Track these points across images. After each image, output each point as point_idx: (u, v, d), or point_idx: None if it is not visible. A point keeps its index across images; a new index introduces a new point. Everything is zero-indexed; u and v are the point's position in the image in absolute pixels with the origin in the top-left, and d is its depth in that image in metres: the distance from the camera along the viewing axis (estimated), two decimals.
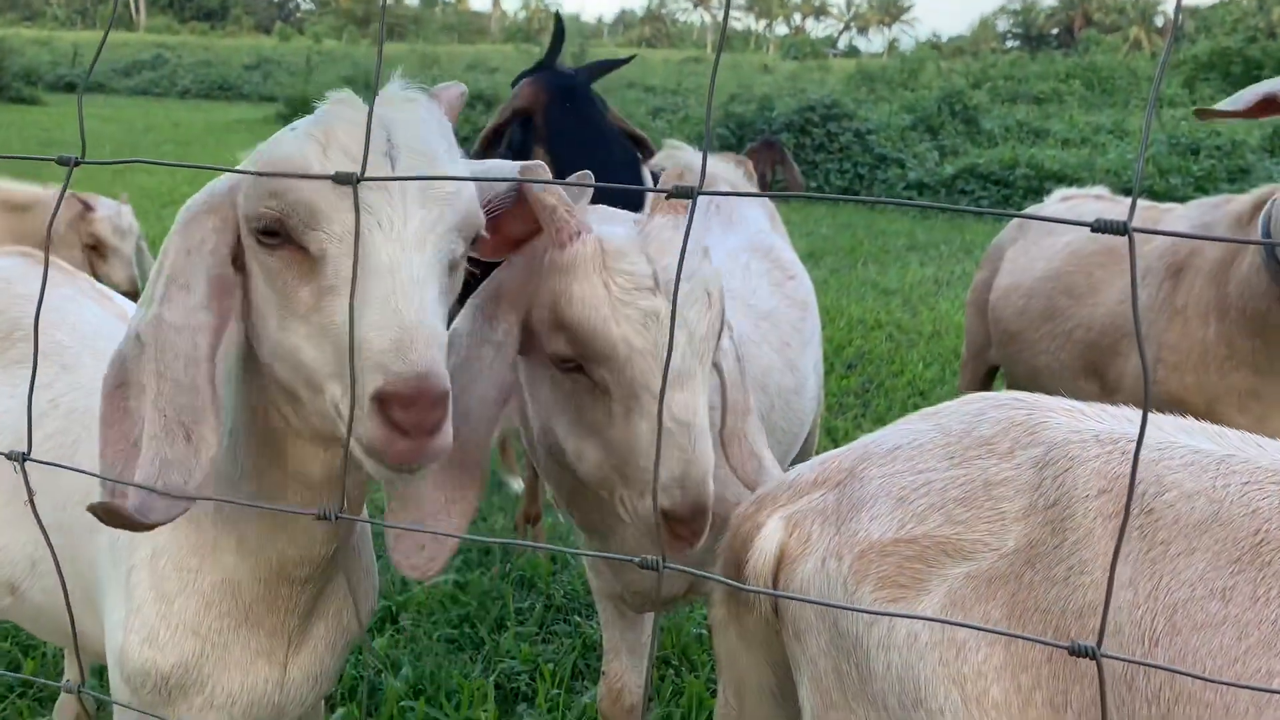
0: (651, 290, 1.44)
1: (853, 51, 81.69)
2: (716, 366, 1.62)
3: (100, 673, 2.78)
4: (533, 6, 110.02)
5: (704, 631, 3.09)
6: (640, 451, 1.43)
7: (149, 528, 1.24)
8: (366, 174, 1.12)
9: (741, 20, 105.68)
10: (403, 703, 2.76)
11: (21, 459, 1.29)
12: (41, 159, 1.30)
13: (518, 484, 4.35)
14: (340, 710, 2.71)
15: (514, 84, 3.57)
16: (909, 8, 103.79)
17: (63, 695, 2.66)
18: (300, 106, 21.10)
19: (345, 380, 1.12)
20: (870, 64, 32.36)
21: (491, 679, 2.88)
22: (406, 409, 1.08)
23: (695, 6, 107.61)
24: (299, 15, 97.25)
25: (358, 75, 23.46)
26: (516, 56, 37.52)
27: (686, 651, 3.11)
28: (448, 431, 1.13)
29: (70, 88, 28.12)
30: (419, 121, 1.24)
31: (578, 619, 3.28)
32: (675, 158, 2.92)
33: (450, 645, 3.10)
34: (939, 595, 1.24)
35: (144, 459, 1.24)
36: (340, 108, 1.22)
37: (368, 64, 27.97)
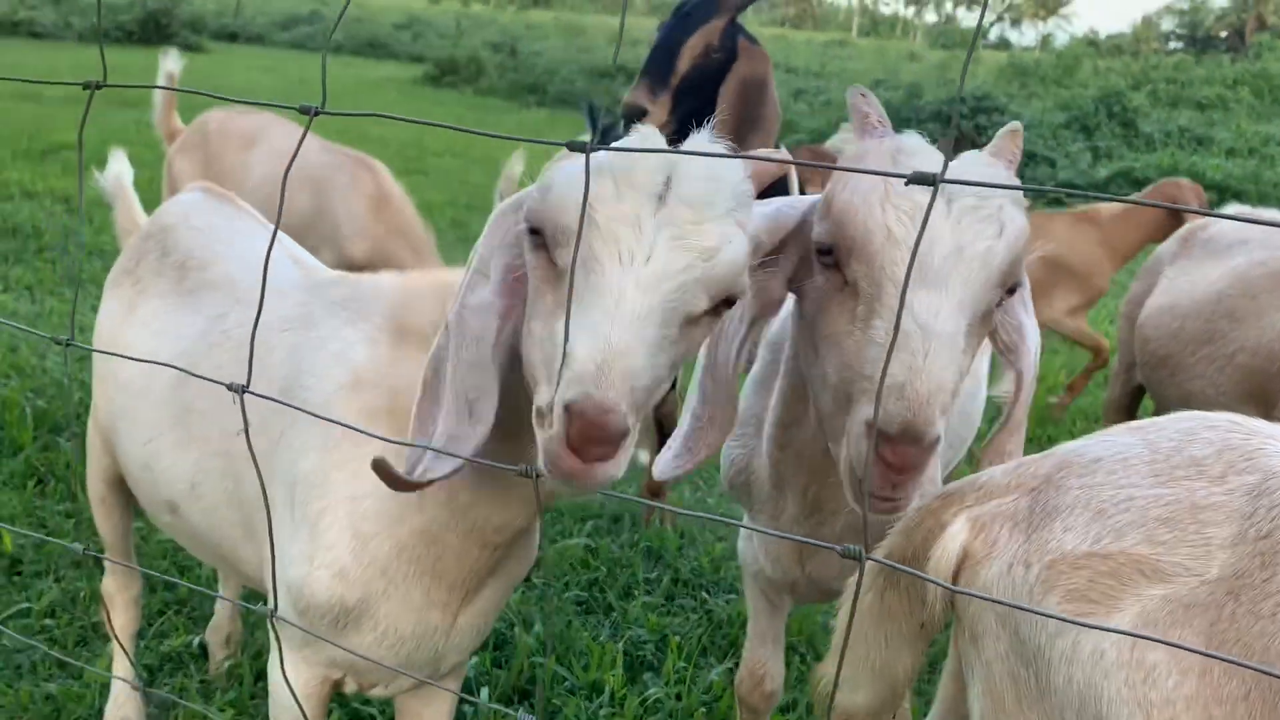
0: (941, 192, 1.32)
1: (1004, 44, 79.12)
2: (1015, 368, 1.56)
3: (248, 597, 2.92)
4: None
5: (832, 619, 3.07)
6: (867, 357, 1.34)
7: (417, 487, 1.35)
8: (616, 206, 1.19)
9: (890, 5, 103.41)
10: (533, 658, 2.82)
11: (241, 391, 1.35)
12: (284, 105, 1.35)
13: (644, 456, 4.38)
14: (474, 658, 2.78)
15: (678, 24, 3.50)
16: (1067, 2, 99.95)
17: (217, 613, 2.80)
18: (448, 69, 21.59)
19: (553, 385, 1.18)
20: (1023, 58, 31.25)
21: (620, 645, 2.92)
22: (584, 428, 1.11)
23: None
24: None
25: (504, 39, 23.83)
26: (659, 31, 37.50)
27: (814, 640, 3.09)
28: (615, 466, 1.16)
29: (233, 37, 29.23)
30: (709, 177, 1.24)
31: (704, 594, 3.29)
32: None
33: (579, 607, 3.16)
34: (1131, 615, 1.19)
35: (439, 431, 1.36)
36: (637, 141, 1.25)
37: (513, 28, 28.35)
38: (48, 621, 2.86)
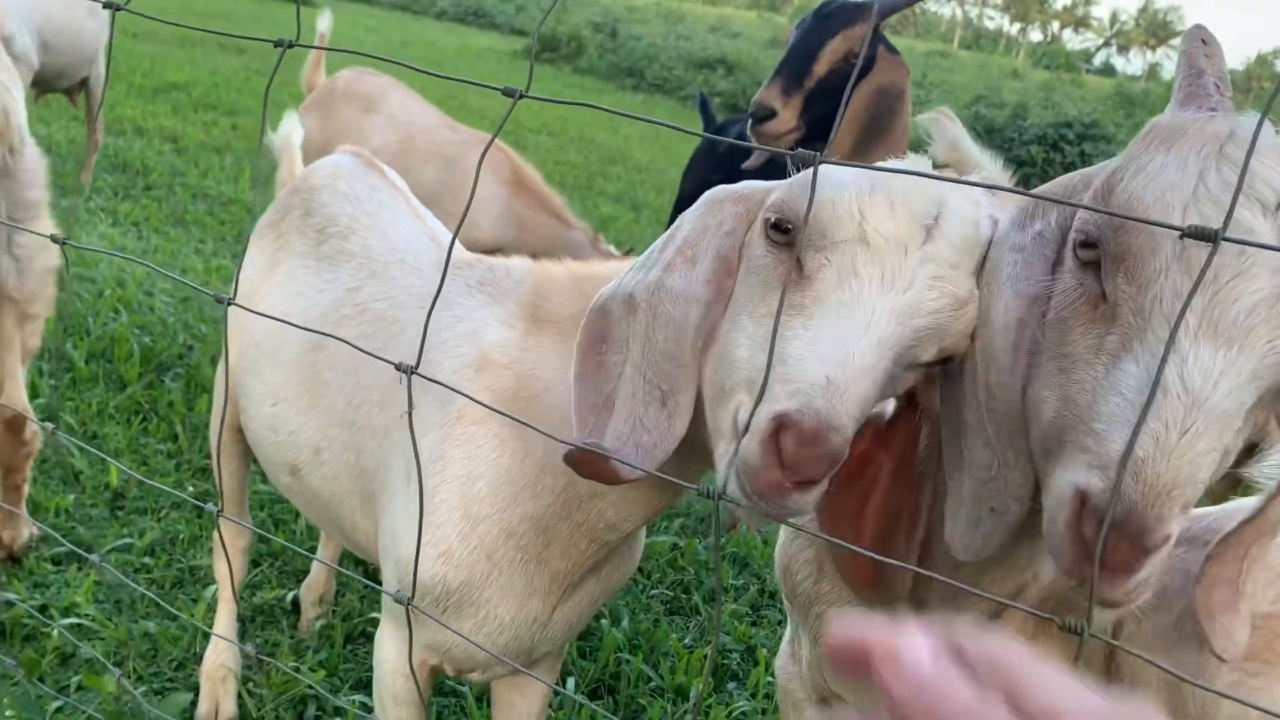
0: (1264, 208, 0.97)
1: (1108, 70, 77.32)
2: None
3: (344, 558, 2.93)
4: None
5: None
6: (1103, 408, 1.00)
7: (620, 481, 1.27)
8: (889, 224, 1.13)
9: (995, 19, 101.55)
10: (619, 654, 2.80)
11: (409, 371, 1.33)
12: (255, 39, 1.33)
13: None
14: None
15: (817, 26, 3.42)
16: (1179, 33, 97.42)
17: (313, 572, 2.82)
18: (549, 44, 21.65)
19: (757, 393, 1.10)
20: (1130, 86, 30.50)
21: (706, 650, 2.89)
22: (801, 444, 1.03)
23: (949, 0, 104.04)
24: None
25: (605, 20, 23.84)
26: (759, 24, 37.32)
27: None
28: (815, 494, 1.08)
29: None
30: (973, 221, 1.19)
31: None
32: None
33: (666, 607, 3.13)
34: None
35: (618, 417, 1.28)
36: (909, 167, 1.22)
37: (615, 9, 28.38)
38: (147, 560, 2.90)
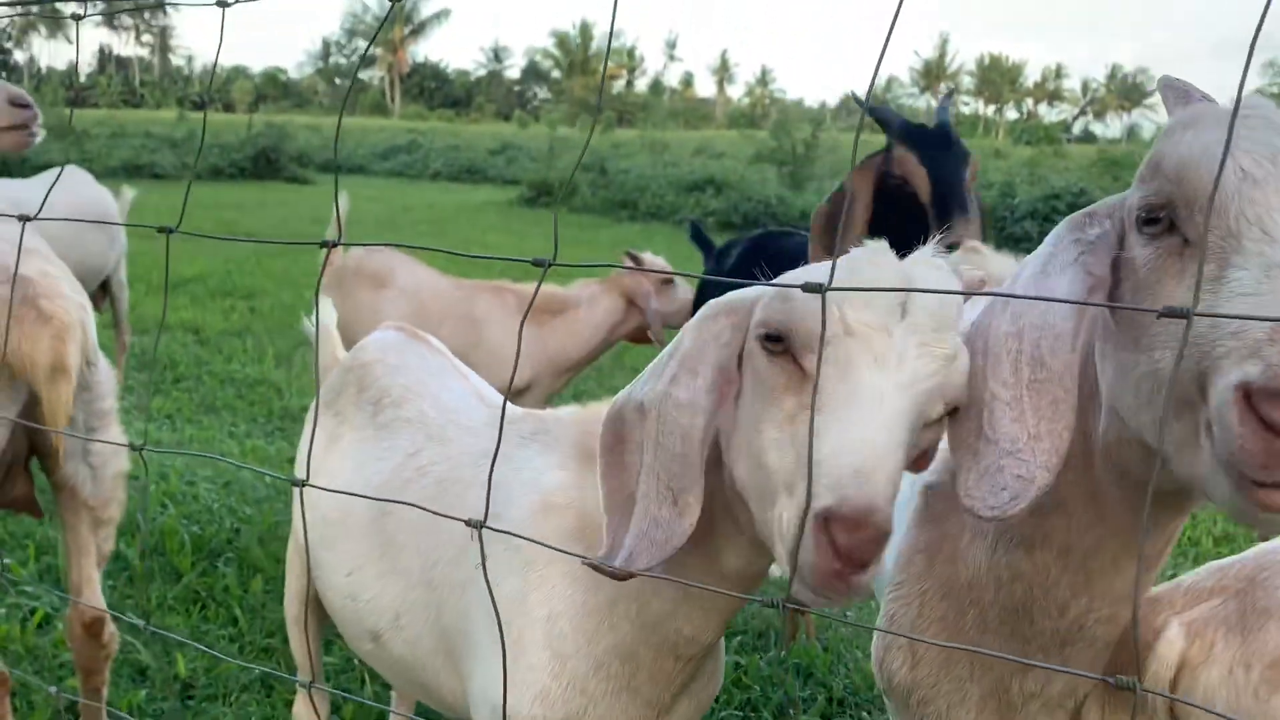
0: None
1: (1089, 137, 78.78)
2: None
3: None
4: (757, 93, 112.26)
5: None
6: (1231, 312, 1.06)
7: (628, 577, 1.37)
8: (867, 313, 1.23)
9: (970, 105, 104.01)
10: None
11: (480, 526, 1.42)
12: (305, 243, 1.47)
13: (775, 569, 4.34)
14: None
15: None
16: (1151, 93, 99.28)
17: None
18: (543, 190, 22.31)
19: (797, 494, 1.19)
20: (1111, 150, 31.04)
21: None
22: (850, 532, 1.11)
23: (921, 92, 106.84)
24: (536, 104, 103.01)
25: (593, 161, 24.56)
26: (741, 141, 38.27)
27: None
28: (876, 570, 1.15)
29: (338, 170, 30.65)
30: (936, 279, 1.30)
31: (864, 715, 3.23)
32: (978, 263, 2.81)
33: None
34: None
35: (637, 513, 1.39)
36: (870, 255, 1.31)
37: (602, 150, 29.20)
38: None
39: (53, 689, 2.17)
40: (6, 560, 4.02)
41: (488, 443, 1.92)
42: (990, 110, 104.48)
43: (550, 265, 1.37)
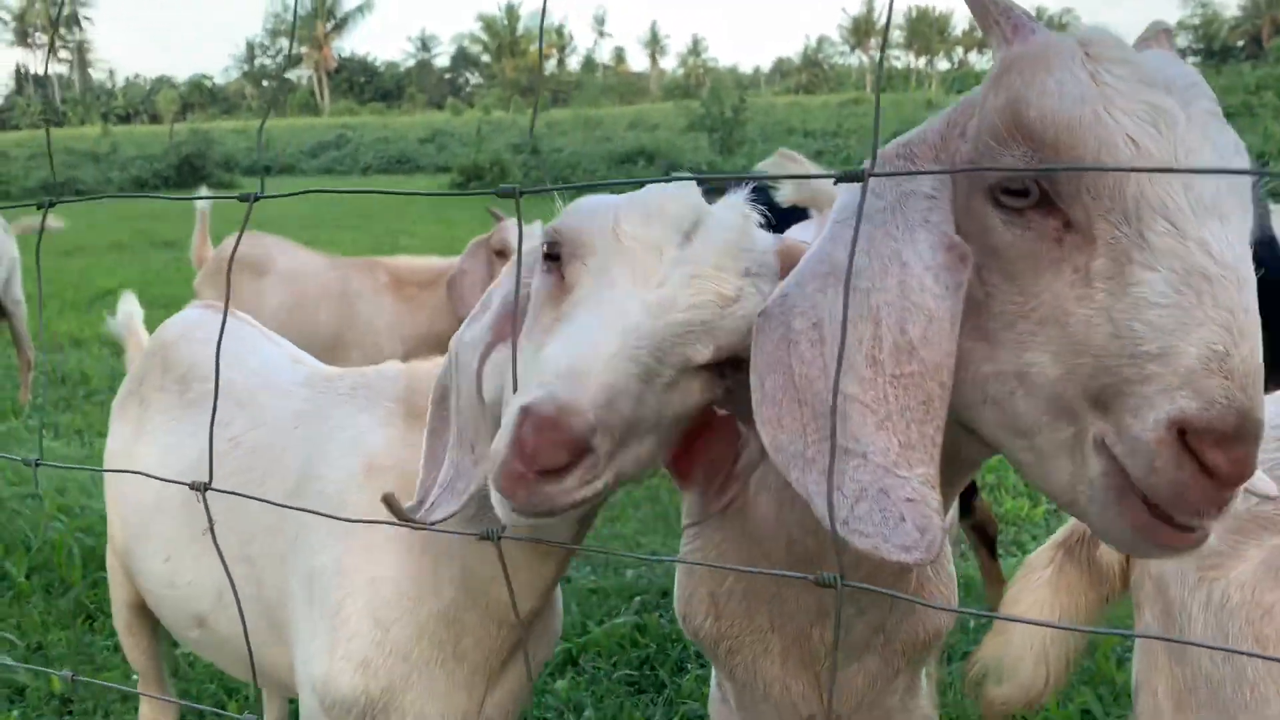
0: (1163, 88, 0.96)
1: None
2: None
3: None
4: (690, 64, 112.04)
5: None
6: (1141, 328, 0.90)
7: (422, 525, 1.30)
8: (643, 230, 1.16)
9: (901, 58, 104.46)
10: None
11: (204, 489, 1.34)
12: (226, 197, 1.36)
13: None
14: None
15: None
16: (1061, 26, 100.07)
17: None
18: (473, 174, 22.07)
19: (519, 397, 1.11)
20: None
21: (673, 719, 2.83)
22: (537, 430, 1.02)
23: (852, 50, 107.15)
24: (469, 90, 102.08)
25: (524, 142, 24.39)
26: (675, 112, 38.16)
27: None
28: (568, 486, 1.04)
29: (265, 170, 30.25)
30: (740, 231, 1.22)
31: None
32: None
33: (631, 688, 3.07)
34: (1255, 560, 1.34)
35: (445, 464, 1.35)
36: (673, 187, 1.25)
37: (536, 130, 29.01)
38: None
39: None
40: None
41: (301, 403, 1.84)
42: (921, 62, 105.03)
43: (257, 199, 1.29)
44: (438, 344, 4.59)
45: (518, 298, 1.24)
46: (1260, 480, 1.18)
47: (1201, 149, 0.93)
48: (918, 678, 1.69)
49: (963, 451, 1.13)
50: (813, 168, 3.50)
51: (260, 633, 1.82)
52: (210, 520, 1.41)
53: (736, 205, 1.25)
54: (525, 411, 1.02)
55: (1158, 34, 1.14)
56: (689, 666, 3.14)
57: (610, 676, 3.10)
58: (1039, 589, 1.73)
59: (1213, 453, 0.86)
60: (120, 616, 2.31)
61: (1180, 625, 1.41)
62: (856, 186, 1.03)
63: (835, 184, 1.02)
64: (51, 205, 1.44)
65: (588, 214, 1.20)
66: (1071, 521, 1.66)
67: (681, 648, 3.25)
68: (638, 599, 3.59)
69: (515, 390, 1.15)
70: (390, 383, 1.73)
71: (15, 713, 3.03)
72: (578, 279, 1.17)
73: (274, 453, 1.81)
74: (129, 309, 2.58)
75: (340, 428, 1.71)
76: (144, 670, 2.33)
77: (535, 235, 3.38)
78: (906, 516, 0.99)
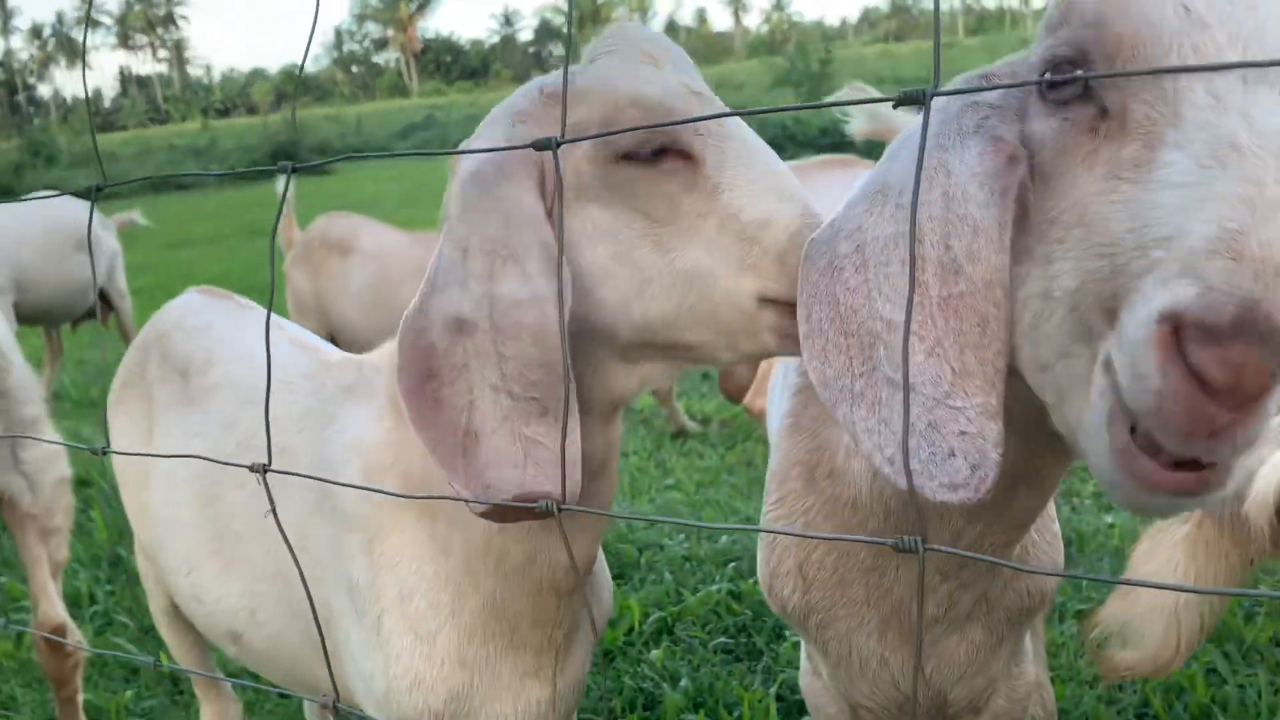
0: None
1: None
2: None
3: None
4: (774, 19, 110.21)
5: None
6: (1158, 214, 0.77)
7: (503, 513, 1.17)
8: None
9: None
10: (683, 715, 2.69)
11: (263, 470, 1.29)
12: (264, 169, 1.32)
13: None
14: None
15: None
16: None
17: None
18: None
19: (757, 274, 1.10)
20: None
21: (772, 690, 2.76)
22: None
23: None
24: (553, 62, 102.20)
25: None
26: (761, 70, 37.58)
27: None
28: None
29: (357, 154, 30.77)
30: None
31: None
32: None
33: (727, 656, 3.01)
34: None
35: (496, 447, 1.16)
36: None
37: None
38: None
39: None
40: None
41: (304, 399, 1.69)
42: (1015, 2, 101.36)
43: (295, 170, 1.24)
44: None
45: (561, 255, 1.14)
46: None
47: (1262, 6, 0.80)
48: (1023, 642, 1.58)
49: (1033, 415, 0.99)
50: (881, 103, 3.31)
51: (302, 648, 1.72)
52: (271, 502, 1.35)
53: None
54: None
55: None
56: (786, 634, 3.05)
57: (706, 645, 3.04)
58: (1172, 548, 1.57)
59: (1200, 352, 0.69)
60: (160, 622, 2.24)
61: None
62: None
63: (894, 108, 0.92)
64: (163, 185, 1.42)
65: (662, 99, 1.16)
66: None
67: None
68: (731, 565, 3.51)
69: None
70: (378, 373, 1.58)
71: (130, 692, 3.11)
72: (705, 147, 1.13)
73: (285, 459, 1.65)
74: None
75: (343, 429, 1.58)
76: (193, 663, 2.26)
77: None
78: (957, 451, 0.91)
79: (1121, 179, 0.82)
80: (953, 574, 1.34)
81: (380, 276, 4.29)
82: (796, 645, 2.97)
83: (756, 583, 3.33)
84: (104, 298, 6.85)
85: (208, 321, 2.03)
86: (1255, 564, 1.49)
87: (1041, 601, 1.47)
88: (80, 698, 2.86)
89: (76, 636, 2.77)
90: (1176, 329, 0.70)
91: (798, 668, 2.86)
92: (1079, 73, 0.88)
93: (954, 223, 0.92)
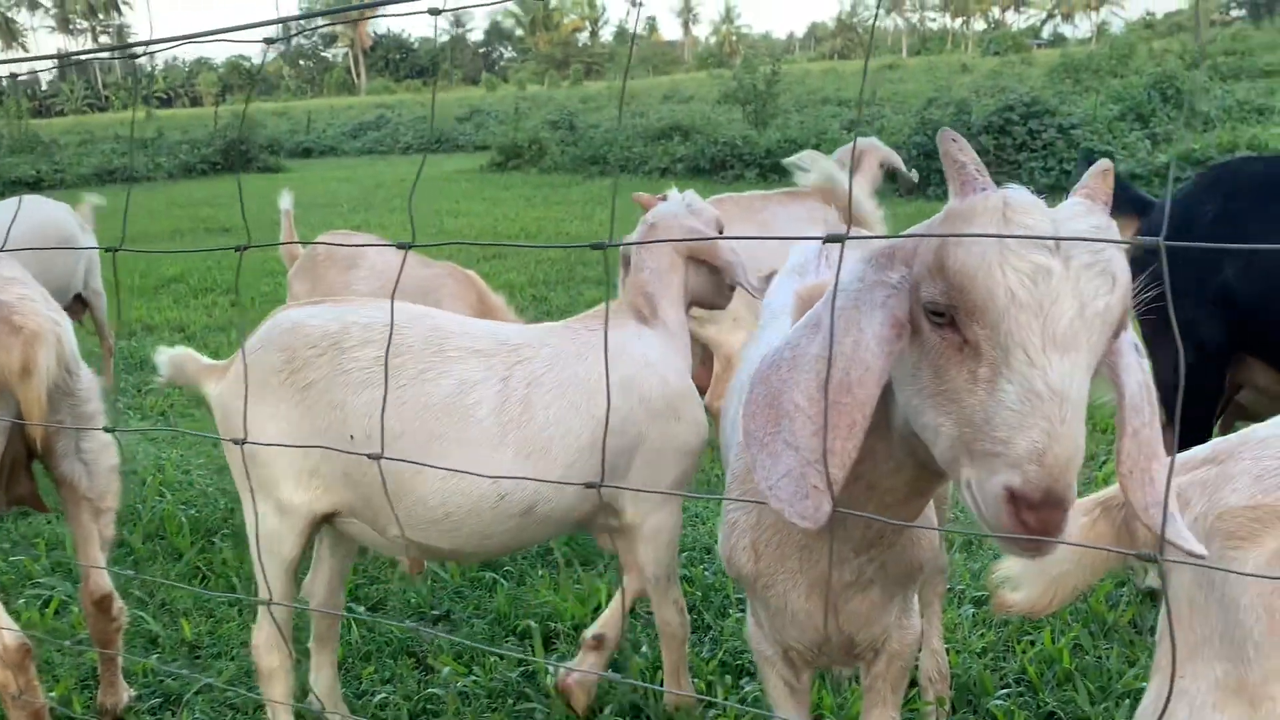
0: (1049, 250, 1.33)
1: (1058, 40, 78.18)
2: (1117, 382, 1.54)
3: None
4: (723, 31, 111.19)
5: None
6: (998, 421, 1.31)
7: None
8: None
9: (937, 20, 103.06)
10: (643, 673, 3.20)
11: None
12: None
13: None
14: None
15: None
16: None
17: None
18: (512, 153, 22.41)
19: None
20: (1076, 53, 31.00)
21: (718, 656, 3.28)
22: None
23: (888, 12, 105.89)
24: (502, 64, 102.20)
25: (562, 118, 24.65)
26: (709, 82, 38.18)
27: None
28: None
29: (307, 153, 30.77)
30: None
31: None
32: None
33: None
34: (1270, 548, 1.55)
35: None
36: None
37: (570, 105, 29.26)
38: (229, 693, 3.33)
39: (67, 642, 2.54)
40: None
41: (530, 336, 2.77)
42: (958, 23, 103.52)
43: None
44: None
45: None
46: (1185, 539, 1.53)
47: (1063, 298, 1.33)
48: (910, 600, 2.12)
49: (928, 454, 1.54)
50: (834, 165, 3.92)
51: (586, 504, 2.73)
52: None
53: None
54: (1017, 498, 1.30)
55: (1099, 174, 1.51)
56: (730, 611, 3.58)
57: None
58: (1073, 533, 1.97)
59: (1026, 513, 1.29)
60: (279, 581, 2.71)
61: (1208, 594, 1.60)
62: (837, 250, 1.47)
63: (824, 244, 1.45)
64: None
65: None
66: (1116, 484, 1.80)
67: (724, 595, 3.70)
68: (684, 554, 4.03)
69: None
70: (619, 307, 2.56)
71: (154, 658, 3.54)
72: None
73: (574, 384, 2.74)
74: (169, 356, 2.95)
75: (629, 337, 2.90)
76: (284, 620, 2.77)
77: (676, 200, 3.56)
78: (809, 497, 1.49)
79: (978, 386, 1.35)
80: (863, 552, 1.88)
81: (386, 292, 4.67)
82: (739, 621, 3.51)
83: (706, 569, 3.86)
84: (79, 298, 7.15)
85: (380, 314, 2.78)
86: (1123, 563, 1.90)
87: (921, 569, 2.00)
88: (120, 659, 3.29)
89: (120, 604, 3.20)
90: (1012, 497, 1.29)
91: (741, 639, 3.40)
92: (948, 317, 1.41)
93: (854, 361, 1.48)
